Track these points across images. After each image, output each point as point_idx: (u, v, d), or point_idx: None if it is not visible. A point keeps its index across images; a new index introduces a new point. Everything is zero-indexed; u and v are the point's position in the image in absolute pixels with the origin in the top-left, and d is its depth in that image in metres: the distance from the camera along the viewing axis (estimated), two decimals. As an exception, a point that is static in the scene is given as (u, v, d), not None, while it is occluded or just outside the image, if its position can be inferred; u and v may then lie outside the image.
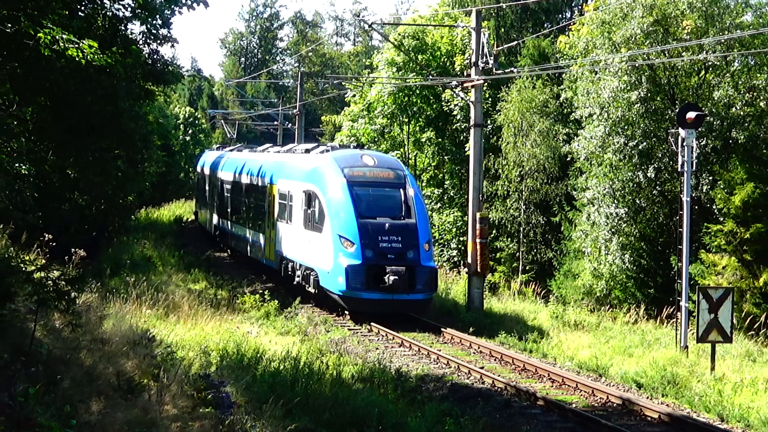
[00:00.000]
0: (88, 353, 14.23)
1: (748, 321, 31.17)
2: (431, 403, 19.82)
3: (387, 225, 31.09)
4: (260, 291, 32.70)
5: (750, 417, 20.08)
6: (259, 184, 42.92)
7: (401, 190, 32.86)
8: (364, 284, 30.09)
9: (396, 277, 29.52)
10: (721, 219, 34.31)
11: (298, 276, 34.80)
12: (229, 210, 50.42)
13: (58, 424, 8.07)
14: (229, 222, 50.31)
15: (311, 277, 33.06)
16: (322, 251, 31.63)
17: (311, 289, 33.34)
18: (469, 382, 23.32)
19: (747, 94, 37.59)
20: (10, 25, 19.81)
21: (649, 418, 20.33)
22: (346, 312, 31.92)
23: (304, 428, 15.00)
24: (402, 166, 36.65)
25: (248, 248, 45.07)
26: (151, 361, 15.29)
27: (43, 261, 17.04)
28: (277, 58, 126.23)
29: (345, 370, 21.42)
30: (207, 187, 59.18)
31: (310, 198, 33.22)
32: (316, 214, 32.48)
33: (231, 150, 58.87)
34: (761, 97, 37.55)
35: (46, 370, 11.28)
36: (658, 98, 38.78)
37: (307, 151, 39.60)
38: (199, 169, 65.15)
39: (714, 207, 35.66)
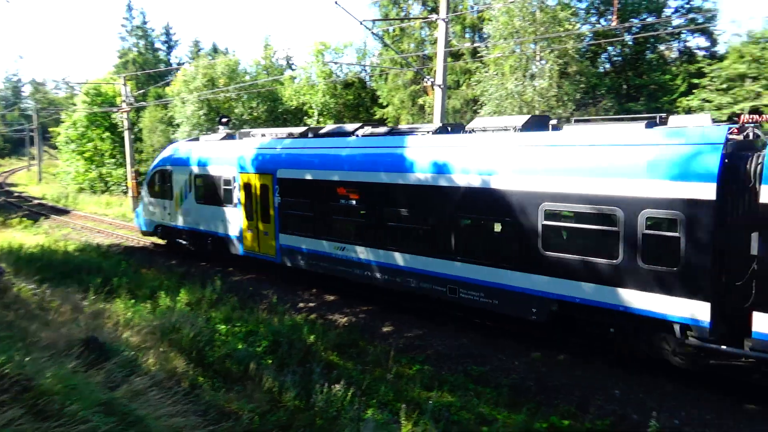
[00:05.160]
0: None
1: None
2: (115, 256, 18.83)
3: None
4: (22, 216, 27.83)
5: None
6: None
7: None
8: None
9: None
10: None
11: None
12: None
13: None
14: None
15: None
16: None
17: None
18: (133, 245, 22.02)
19: (249, 110, 38.20)
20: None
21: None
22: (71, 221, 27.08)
23: (47, 277, 13.69)
24: None
25: None
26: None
27: None
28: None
29: (70, 248, 19.48)
30: None
31: None
32: None
33: None
34: (255, 111, 38.33)
35: None
36: (212, 113, 38.12)
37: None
38: None
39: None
